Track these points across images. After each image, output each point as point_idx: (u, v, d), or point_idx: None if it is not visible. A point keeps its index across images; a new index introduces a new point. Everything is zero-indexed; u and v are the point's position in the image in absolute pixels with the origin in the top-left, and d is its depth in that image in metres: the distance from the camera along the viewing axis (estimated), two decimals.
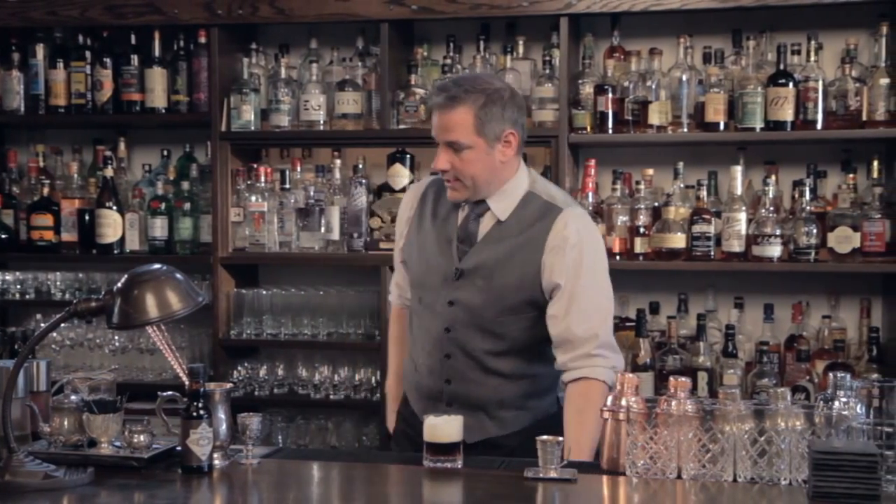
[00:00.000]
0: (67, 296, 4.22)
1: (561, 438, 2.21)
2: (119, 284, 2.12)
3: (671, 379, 2.23)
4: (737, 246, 3.65)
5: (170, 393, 2.29)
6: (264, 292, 4.07)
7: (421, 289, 2.73)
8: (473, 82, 2.62)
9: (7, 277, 4.25)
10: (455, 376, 2.65)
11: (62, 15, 4.06)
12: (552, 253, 2.59)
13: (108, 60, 4.12)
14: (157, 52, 4.11)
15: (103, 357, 4.20)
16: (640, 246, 3.75)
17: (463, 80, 2.63)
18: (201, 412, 2.19)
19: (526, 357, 2.66)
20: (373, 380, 3.99)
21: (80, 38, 4.19)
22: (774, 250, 3.60)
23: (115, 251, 4.14)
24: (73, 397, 2.29)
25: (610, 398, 2.28)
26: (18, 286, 4.25)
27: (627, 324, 3.92)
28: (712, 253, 3.67)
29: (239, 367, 4.06)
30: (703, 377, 3.66)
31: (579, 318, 2.56)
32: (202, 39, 4.06)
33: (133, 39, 4.13)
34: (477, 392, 2.65)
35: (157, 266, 2.19)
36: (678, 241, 3.69)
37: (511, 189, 2.66)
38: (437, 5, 3.80)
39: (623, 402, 2.24)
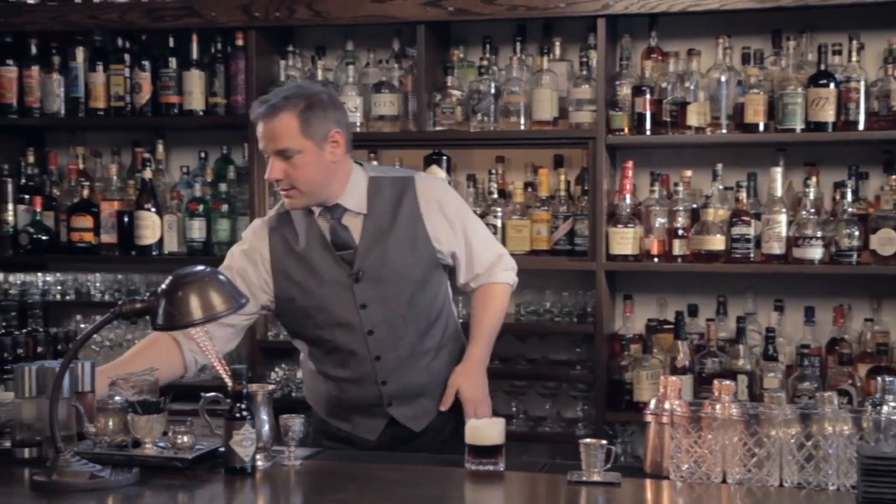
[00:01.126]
0: (107, 297, 4.25)
1: (604, 441, 2.20)
2: (163, 286, 2.13)
3: (715, 382, 2.22)
4: (777, 248, 3.61)
5: (213, 394, 2.30)
6: None
7: (319, 311, 2.72)
8: (291, 90, 2.71)
9: (48, 278, 4.28)
10: (389, 375, 2.71)
11: (102, 18, 4.09)
12: (431, 217, 2.74)
13: (146, 63, 4.15)
14: (194, 55, 4.13)
15: None
16: (678, 248, 3.73)
17: (281, 90, 2.71)
18: (244, 413, 2.19)
19: (442, 323, 2.80)
20: None
21: (119, 42, 4.22)
22: (816, 252, 3.57)
23: (154, 253, 4.16)
24: (117, 398, 2.30)
25: (653, 401, 2.26)
26: (59, 287, 4.28)
27: (665, 326, 3.90)
28: (752, 255, 3.64)
29: (276, 369, 4.08)
30: (743, 380, 3.61)
31: (481, 256, 2.82)
32: (239, 42, 4.07)
33: (171, 42, 4.15)
34: (413, 380, 2.73)
35: (200, 267, 2.20)
36: (717, 242, 3.66)
37: (355, 183, 2.73)
38: (473, 7, 3.80)
39: (666, 406, 2.22)
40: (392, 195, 2.75)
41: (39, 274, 4.30)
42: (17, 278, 4.27)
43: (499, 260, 2.87)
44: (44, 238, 4.26)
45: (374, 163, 3.05)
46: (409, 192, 2.75)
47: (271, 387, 2.34)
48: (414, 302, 2.72)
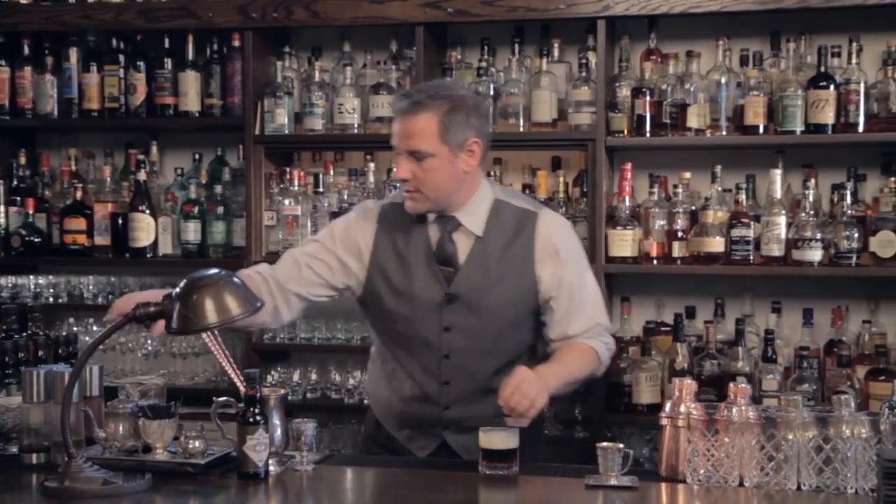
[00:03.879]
0: (100, 300, 4.21)
1: (622, 445, 2.19)
2: (177, 289, 2.11)
3: (731, 385, 2.21)
4: (776, 250, 3.61)
5: (224, 398, 2.27)
6: None
7: (405, 320, 2.61)
8: (438, 88, 2.58)
9: (40, 281, 4.23)
10: (454, 401, 2.59)
11: (96, 19, 4.05)
12: (543, 261, 2.59)
13: (141, 64, 4.11)
14: (190, 56, 4.10)
15: (135, 361, 4.18)
16: (677, 250, 3.72)
17: (427, 87, 2.59)
18: (258, 418, 2.17)
19: (520, 364, 2.62)
20: None
21: (114, 42, 4.18)
22: (815, 254, 3.57)
23: (149, 255, 4.12)
24: (127, 403, 2.27)
25: (668, 404, 2.25)
26: (51, 290, 4.24)
27: (663, 328, 3.90)
28: (751, 257, 3.64)
29: (272, 372, 4.04)
30: (742, 382, 3.61)
31: (581, 317, 2.62)
32: (236, 43, 4.04)
33: (167, 43, 4.12)
34: (475, 412, 2.58)
35: (214, 271, 2.17)
36: (716, 244, 3.66)
37: (479, 201, 2.60)
38: (473, 8, 3.78)
39: (682, 409, 2.21)
40: (511, 226, 2.61)
41: (31, 276, 4.25)
42: (8, 281, 4.23)
43: (597, 328, 2.66)
44: (36, 240, 4.22)
45: (501, 185, 2.88)
46: (529, 227, 2.61)
47: (283, 391, 2.32)
48: (500, 339, 2.60)
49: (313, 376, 4.06)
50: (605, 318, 2.71)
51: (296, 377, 4.03)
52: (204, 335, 2.22)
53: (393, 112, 2.56)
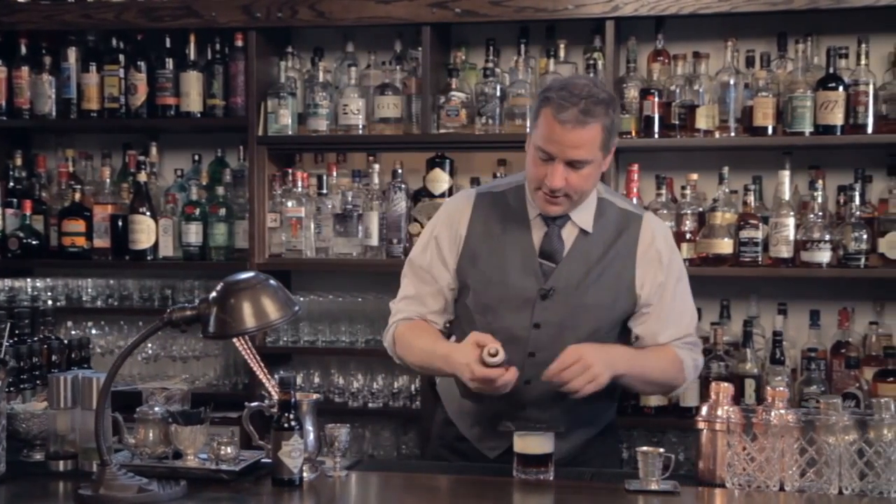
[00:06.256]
0: (99, 303, 4.15)
1: (662, 450, 2.17)
2: (214, 293, 2.06)
3: (769, 389, 2.20)
4: (785, 252, 3.62)
5: (256, 404, 2.23)
6: (301, 299, 4.00)
7: (493, 313, 2.49)
8: (594, 90, 2.39)
9: (37, 284, 4.15)
10: (532, 401, 2.48)
11: (97, 18, 3.99)
12: (644, 265, 2.50)
13: (142, 64, 4.05)
14: (192, 56, 4.04)
15: (134, 365, 4.13)
16: (686, 251, 3.71)
17: (584, 89, 2.37)
18: (293, 423, 2.13)
19: None
20: (412, 388, 3.95)
21: (114, 42, 4.12)
22: (824, 256, 3.57)
23: (149, 257, 4.06)
24: (156, 408, 2.23)
25: (705, 408, 2.24)
26: (49, 293, 4.16)
27: None
28: (760, 259, 3.65)
29: (275, 376, 3.97)
30: (750, 384, 3.62)
31: (673, 327, 2.52)
32: (239, 43, 3.99)
33: (168, 43, 4.06)
34: (552, 414, 2.48)
35: (251, 273, 2.13)
36: (725, 246, 3.66)
37: (589, 197, 2.51)
38: (481, 8, 3.76)
39: (720, 412, 2.20)
40: (615, 225, 2.52)
41: (28, 279, 4.17)
42: (4, 284, 4.15)
43: (687, 339, 2.56)
44: (33, 243, 4.14)
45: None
46: (633, 229, 2.52)
47: (316, 396, 2.28)
48: (589, 341, 2.43)
49: (316, 379, 4.03)
50: (696, 335, 2.61)
51: (299, 380, 3.98)
52: (236, 340, 2.18)
53: (557, 119, 2.34)
